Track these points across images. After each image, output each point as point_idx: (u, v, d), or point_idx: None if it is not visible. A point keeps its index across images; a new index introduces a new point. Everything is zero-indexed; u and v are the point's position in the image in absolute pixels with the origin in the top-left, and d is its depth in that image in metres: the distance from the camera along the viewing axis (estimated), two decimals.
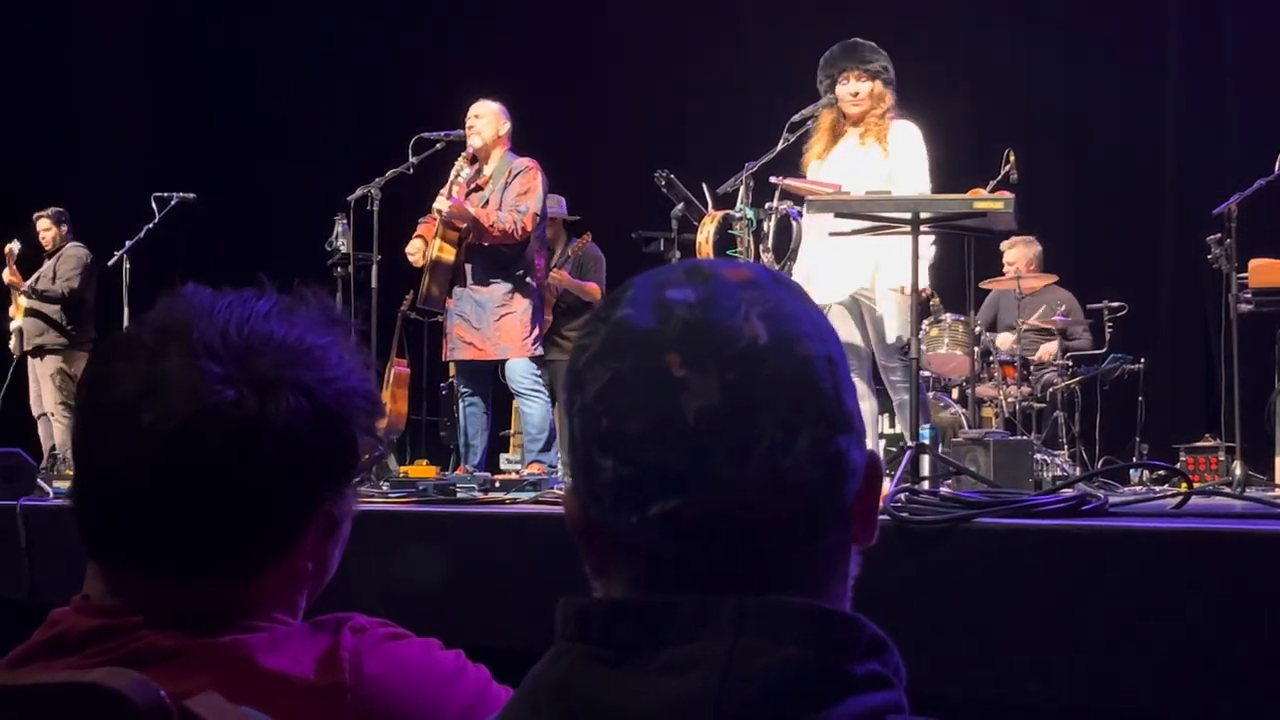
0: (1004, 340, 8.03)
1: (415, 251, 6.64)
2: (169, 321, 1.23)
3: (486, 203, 6.56)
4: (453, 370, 7.38)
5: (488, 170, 6.69)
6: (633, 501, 0.92)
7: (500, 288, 6.56)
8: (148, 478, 1.19)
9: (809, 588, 0.94)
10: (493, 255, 6.57)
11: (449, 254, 6.51)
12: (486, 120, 6.67)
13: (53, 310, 8.97)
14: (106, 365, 1.23)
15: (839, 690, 0.90)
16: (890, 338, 5.38)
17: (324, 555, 1.30)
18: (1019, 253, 8.12)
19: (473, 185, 6.65)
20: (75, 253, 9.12)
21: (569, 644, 0.96)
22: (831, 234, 5.23)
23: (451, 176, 6.67)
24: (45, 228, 9.31)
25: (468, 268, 6.57)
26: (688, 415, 0.90)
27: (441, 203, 6.48)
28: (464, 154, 6.71)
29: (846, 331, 5.51)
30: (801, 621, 0.91)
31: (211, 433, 1.18)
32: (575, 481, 0.98)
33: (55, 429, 8.87)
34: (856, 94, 5.60)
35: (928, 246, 5.37)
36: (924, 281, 5.30)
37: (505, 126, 6.74)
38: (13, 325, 9.12)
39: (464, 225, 6.47)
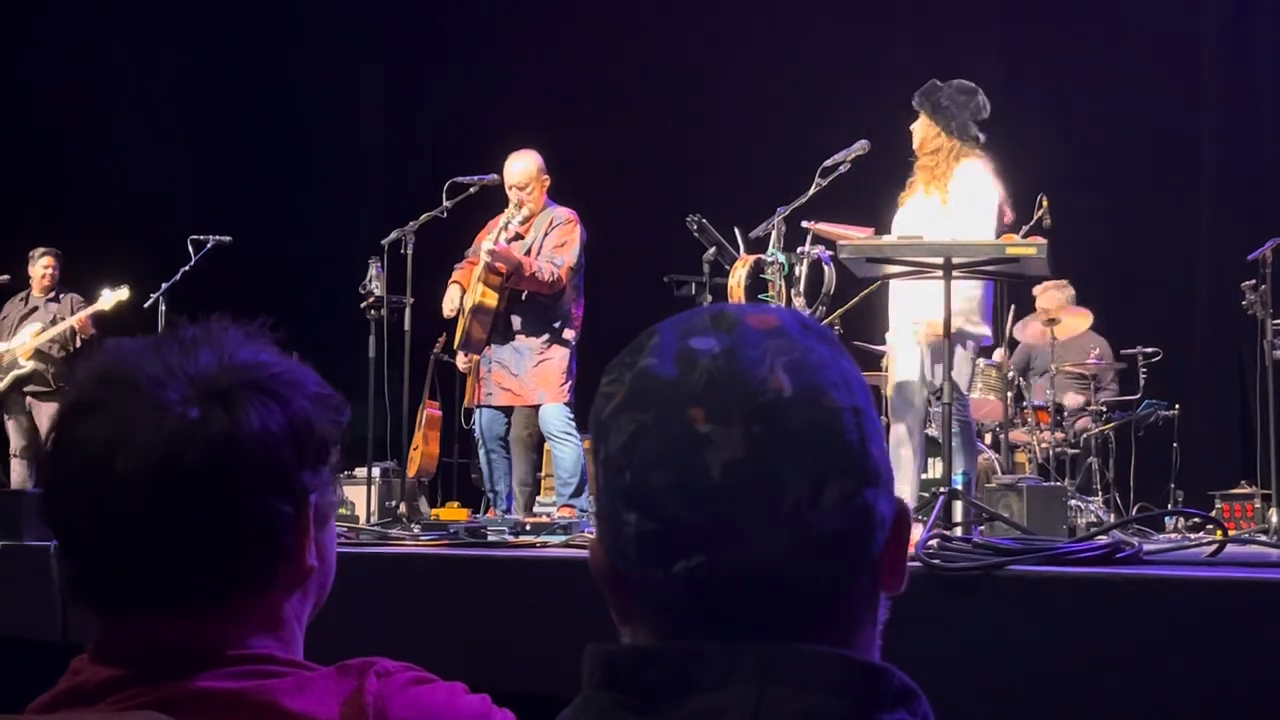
0: (1039, 389, 7.99)
1: (449, 302, 6.68)
2: (111, 373, 1.22)
3: (529, 250, 6.62)
4: (470, 418, 7.28)
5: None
6: (657, 557, 0.92)
7: (539, 336, 6.61)
8: (140, 522, 1.18)
9: (837, 637, 0.94)
10: (532, 305, 6.61)
11: (491, 299, 6.56)
12: (530, 189, 6.69)
13: (59, 354, 8.59)
14: (64, 431, 1.22)
15: None
16: (936, 380, 5.26)
17: (323, 548, 1.30)
18: (1051, 297, 8.05)
19: (514, 233, 6.69)
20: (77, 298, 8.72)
21: (596, 691, 0.95)
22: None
23: (502, 222, 6.70)
24: (48, 265, 8.78)
25: (513, 319, 6.60)
26: (713, 471, 0.89)
27: (488, 245, 6.52)
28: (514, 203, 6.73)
29: (907, 365, 5.42)
30: (829, 670, 0.90)
31: (189, 455, 1.17)
32: (600, 532, 0.98)
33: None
34: (911, 133, 5.57)
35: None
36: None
37: (546, 182, 6.78)
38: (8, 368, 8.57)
39: (506, 270, 6.50)
